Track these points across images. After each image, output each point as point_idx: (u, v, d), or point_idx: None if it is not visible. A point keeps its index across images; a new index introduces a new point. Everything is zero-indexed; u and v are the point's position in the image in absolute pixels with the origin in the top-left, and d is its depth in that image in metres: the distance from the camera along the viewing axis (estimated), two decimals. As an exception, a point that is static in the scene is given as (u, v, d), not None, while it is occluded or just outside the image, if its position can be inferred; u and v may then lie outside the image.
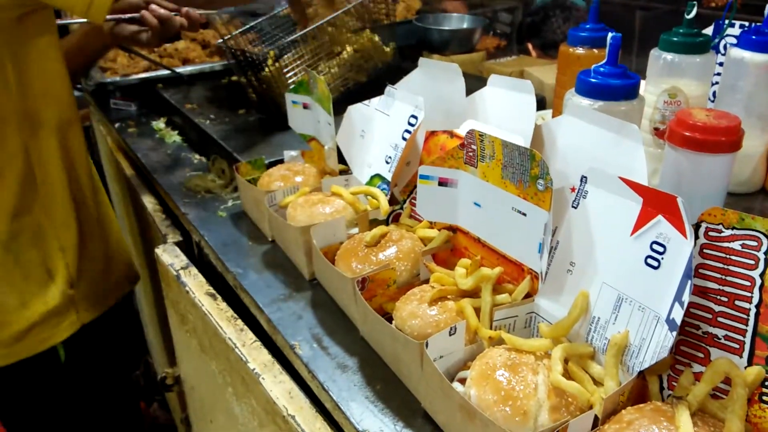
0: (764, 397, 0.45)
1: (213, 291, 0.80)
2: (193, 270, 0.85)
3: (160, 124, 1.33)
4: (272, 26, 1.54)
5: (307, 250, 0.74)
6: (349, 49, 1.28)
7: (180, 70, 1.46)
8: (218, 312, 0.76)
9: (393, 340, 0.58)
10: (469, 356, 0.56)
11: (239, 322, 0.74)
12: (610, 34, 0.73)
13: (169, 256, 0.89)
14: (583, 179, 0.56)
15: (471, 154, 0.64)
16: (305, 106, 0.95)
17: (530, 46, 1.65)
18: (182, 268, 0.85)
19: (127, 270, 1.13)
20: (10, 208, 0.89)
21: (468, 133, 0.63)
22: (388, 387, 0.59)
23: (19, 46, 0.87)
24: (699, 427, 0.43)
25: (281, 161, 0.96)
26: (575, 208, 0.56)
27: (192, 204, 0.99)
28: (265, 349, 0.69)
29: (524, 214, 0.59)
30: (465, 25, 1.64)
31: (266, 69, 1.13)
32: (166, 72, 1.45)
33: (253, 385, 0.67)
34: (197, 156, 1.18)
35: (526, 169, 0.58)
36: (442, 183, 0.67)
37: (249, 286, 0.76)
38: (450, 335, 0.55)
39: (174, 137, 1.27)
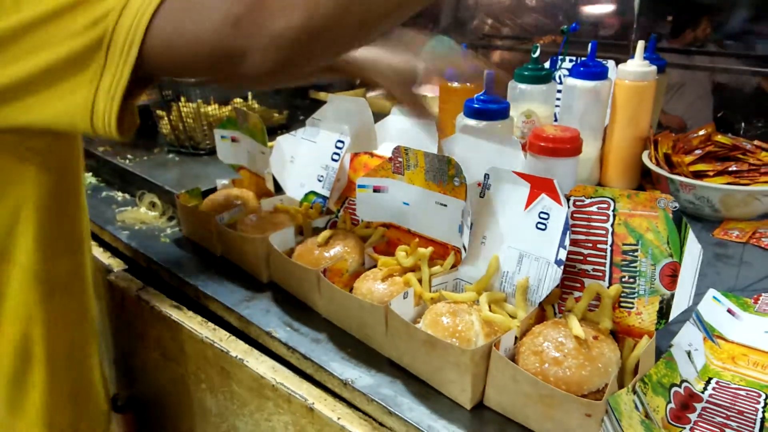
0: (621, 304, 0.68)
1: (177, 303, 0.90)
2: (151, 289, 0.95)
3: (69, 168, 1.38)
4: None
5: (265, 257, 0.88)
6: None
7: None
8: (188, 318, 0.87)
9: (360, 310, 0.74)
10: (417, 314, 0.74)
11: (210, 323, 0.85)
12: (485, 71, 0.96)
13: (123, 281, 0.97)
14: (486, 176, 0.76)
15: (398, 165, 0.83)
16: (234, 140, 1.09)
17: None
18: (140, 289, 0.95)
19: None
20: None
21: (395, 149, 0.82)
22: (357, 349, 0.75)
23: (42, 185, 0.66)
24: (584, 327, 0.64)
25: (215, 189, 1.09)
26: (482, 197, 0.77)
27: (132, 236, 1.07)
28: (241, 341, 0.82)
29: (445, 206, 0.79)
30: (345, 67, 1.85)
31: (191, 105, 1.25)
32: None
33: (235, 370, 0.79)
34: (120, 193, 1.26)
35: (444, 171, 0.78)
36: (376, 190, 0.85)
37: (213, 293, 0.88)
38: (404, 299, 0.72)
39: (89, 179, 1.33)
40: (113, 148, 1.36)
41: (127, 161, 1.28)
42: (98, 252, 1.08)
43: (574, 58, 1.24)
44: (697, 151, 1.14)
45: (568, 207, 0.70)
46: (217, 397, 0.86)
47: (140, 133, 1.43)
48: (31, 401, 0.71)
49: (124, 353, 1.05)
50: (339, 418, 0.68)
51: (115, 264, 1.04)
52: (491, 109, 0.96)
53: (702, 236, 1.02)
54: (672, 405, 0.63)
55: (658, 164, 1.13)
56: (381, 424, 0.67)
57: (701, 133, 1.18)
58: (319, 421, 0.70)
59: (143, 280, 0.98)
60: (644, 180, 1.22)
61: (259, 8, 0.46)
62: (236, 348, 0.80)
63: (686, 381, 0.67)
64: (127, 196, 1.25)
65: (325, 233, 0.86)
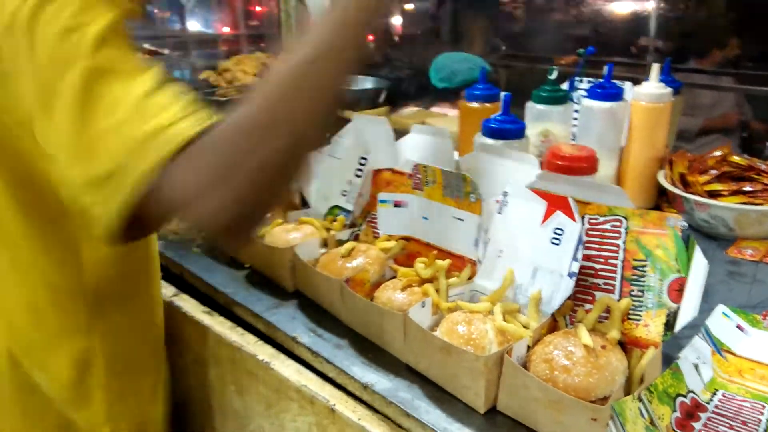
0: (630, 317, 0.71)
1: (208, 309, 0.96)
2: (184, 296, 1.00)
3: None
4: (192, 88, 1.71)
5: (290, 267, 0.93)
6: None
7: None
8: (219, 324, 0.92)
9: (380, 317, 0.78)
10: (434, 323, 0.78)
11: (239, 328, 0.90)
12: (502, 93, 1.01)
13: (158, 287, 1.03)
14: (505, 193, 0.80)
15: (417, 181, 0.87)
16: (263, 156, 1.15)
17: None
18: (174, 295, 1.00)
19: None
20: None
21: (414, 166, 0.87)
22: (377, 355, 0.79)
23: None
24: (593, 337, 0.67)
25: (244, 203, 1.14)
26: (500, 213, 0.81)
27: (165, 245, 1.13)
28: (268, 345, 0.86)
29: (462, 220, 0.83)
30: (369, 86, 1.91)
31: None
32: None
33: (262, 373, 0.84)
34: (154, 206, 1.32)
35: (460, 187, 0.82)
36: (397, 205, 0.90)
37: (242, 301, 0.93)
38: (422, 308, 0.76)
39: (125, 191, 1.39)
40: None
41: (161, 175, 1.34)
42: (134, 260, 1.14)
43: (591, 80, 1.28)
44: (713, 171, 1.16)
45: (583, 224, 0.74)
46: (244, 398, 0.90)
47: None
48: (97, 400, 0.80)
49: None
50: (359, 419, 0.72)
51: (150, 272, 1.10)
52: (507, 128, 1.00)
53: (716, 254, 1.04)
54: (677, 414, 0.65)
55: (673, 184, 1.16)
56: (399, 425, 0.71)
57: (717, 153, 1.20)
58: (340, 422, 0.74)
59: (176, 287, 1.04)
60: (661, 199, 1.25)
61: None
62: (263, 352, 0.85)
63: (692, 392, 0.69)
64: (160, 207, 1.31)
65: (348, 245, 0.90)
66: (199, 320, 0.93)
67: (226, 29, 2.83)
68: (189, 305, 0.97)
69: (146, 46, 1.82)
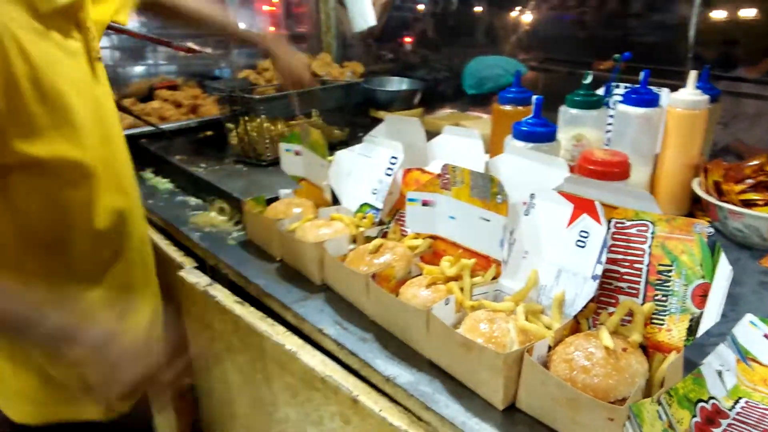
0: (653, 321, 0.71)
1: (240, 300, 0.99)
2: (218, 286, 1.04)
3: (148, 173, 1.51)
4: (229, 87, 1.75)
5: (319, 261, 0.95)
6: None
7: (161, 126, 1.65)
8: (249, 314, 0.95)
9: (404, 312, 0.80)
10: (457, 320, 0.79)
11: (269, 319, 0.93)
12: (534, 97, 1.02)
13: (194, 277, 1.07)
14: (532, 195, 0.81)
15: (446, 181, 0.89)
16: (297, 153, 1.18)
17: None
18: (208, 285, 1.04)
19: None
20: None
21: (443, 166, 0.88)
22: (400, 349, 0.81)
23: None
24: (614, 339, 0.68)
25: (277, 198, 1.17)
26: (527, 215, 0.82)
27: (202, 237, 1.17)
28: (296, 336, 0.89)
29: (488, 220, 0.84)
30: (405, 87, 1.93)
31: (257, 120, 1.36)
32: (147, 128, 1.63)
33: (290, 363, 0.86)
34: (193, 198, 1.37)
35: (487, 188, 0.83)
36: (425, 204, 0.91)
37: (272, 292, 0.96)
38: (445, 305, 0.78)
39: (166, 184, 1.45)
40: (188, 157, 1.48)
41: (201, 170, 1.39)
42: (171, 250, 1.19)
43: (628, 85, 1.27)
44: (749, 180, 1.15)
45: (609, 228, 0.74)
46: (271, 387, 0.93)
47: (212, 143, 1.56)
48: None
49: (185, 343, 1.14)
50: (380, 411, 0.74)
51: (187, 262, 1.14)
52: (538, 131, 1.01)
53: (749, 264, 1.03)
54: (697, 419, 0.65)
55: (707, 192, 1.14)
56: (419, 418, 0.72)
57: (754, 162, 1.18)
58: (362, 413, 0.76)
59: (211, 277, 1.08)
60: (695, 207, 1.23)
61: None
62: (291, 342, 0.87)
63: (714, 398, 0.69)
64: (199, 201, 1.35)
65: (376, 242, 0.93)
66: (230, 309, 0.97)
67: (272, 29, 2.88)
68: (222, 295, 1.01)
69: (189, 44, 1.88)
